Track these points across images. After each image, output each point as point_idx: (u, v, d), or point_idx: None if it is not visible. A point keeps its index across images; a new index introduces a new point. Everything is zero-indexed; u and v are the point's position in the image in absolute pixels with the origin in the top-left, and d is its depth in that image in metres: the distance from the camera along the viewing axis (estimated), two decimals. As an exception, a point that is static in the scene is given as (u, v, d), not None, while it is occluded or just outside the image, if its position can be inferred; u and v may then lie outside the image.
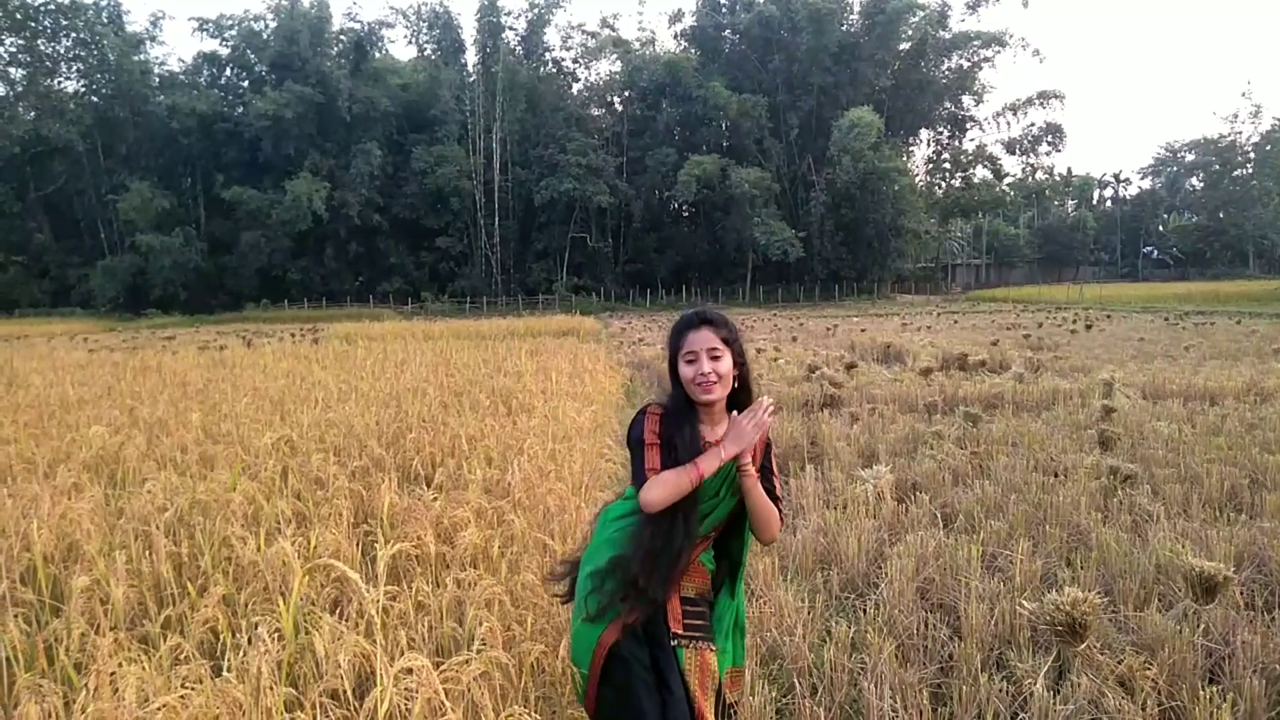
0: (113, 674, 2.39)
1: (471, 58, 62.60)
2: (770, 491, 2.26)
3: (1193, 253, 78.51)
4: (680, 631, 2.18)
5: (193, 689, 2.27)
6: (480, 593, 3.00)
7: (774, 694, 2.96)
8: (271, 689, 2.20)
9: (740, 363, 2.27)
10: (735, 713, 2.39)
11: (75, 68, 56.27)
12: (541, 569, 3.49)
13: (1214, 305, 36.71)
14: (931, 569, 3.99)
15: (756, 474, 2.19)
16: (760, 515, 2.22)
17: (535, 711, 2.48)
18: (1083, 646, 3.02)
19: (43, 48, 54.39)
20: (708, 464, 2.11)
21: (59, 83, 56.02)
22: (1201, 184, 79.98)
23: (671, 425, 2.22)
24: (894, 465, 6.13)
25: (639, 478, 2.18)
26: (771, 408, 2.17)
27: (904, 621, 3.48)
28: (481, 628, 2.71)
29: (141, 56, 57.49)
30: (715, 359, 2.20)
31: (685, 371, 2.22)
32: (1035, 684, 2.75)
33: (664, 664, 2.16)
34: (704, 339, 2.21)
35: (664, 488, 2.11)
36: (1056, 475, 5.85)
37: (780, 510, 2.27)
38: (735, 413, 2.21)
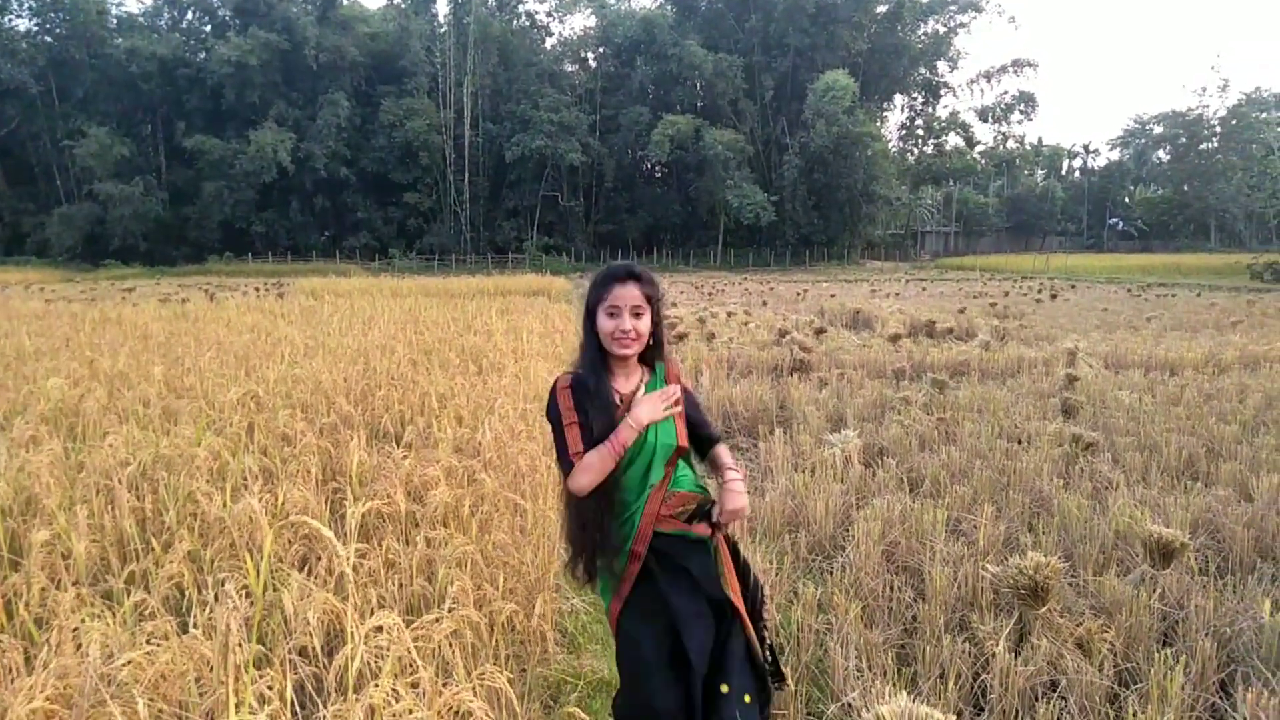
0: (75, 629, 2.35)
1: (443, 8, 61.22)
2: (710, 439, 2.39)
3: (1157, 225, 79.52)
4: (685, 526, 2.24)
5: (159, 645, 2.24)
6: (451, 551, 2.99)
7: (742, 653, 2.99)
8: (240, 646, 2.18)
9: (657, 321, 2.27)
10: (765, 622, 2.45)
11: (27, 5, 54.03)
12: (513, 528, 3.49)
13: (1176, 277, 37.35)
14: (897, 532, 4.04)
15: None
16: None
17: (507, 670, 2.49)
18: (1043, 609, 3.09)
19: (-9, -18, 52.27)
20: (626, 435, 2.13)
21: (9, 20, 53.85)
22: (1168, 157, 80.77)
23: (582, 388, 2.22)
24: (862, 430, 6.19)
25: (564, 461, 2.19)
26: (678, 396, 2.21)
27: (870, 584, 3.54)
28: (453, 586, 2.71)
29: (97, -4, 55.42)
30: (637, 316, 2.19)
31: (605, 324, 2.20)
32: (997, 645, 2.81)
33: (690, 569, 2.22)
34: (631, 295, 2.19)
35: (590, 473, 2.14)
36: (1020, 442, 5.94)
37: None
38: (645, 367, 2.32)
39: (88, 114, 53.42)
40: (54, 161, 53.85)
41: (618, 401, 2.23)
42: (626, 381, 2.28)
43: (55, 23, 54.12)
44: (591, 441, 2.16)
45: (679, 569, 2.22)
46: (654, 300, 2.24)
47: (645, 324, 2.21)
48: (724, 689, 2.16)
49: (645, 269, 2.27)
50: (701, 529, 2.24)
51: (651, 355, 2.32)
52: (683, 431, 2.28)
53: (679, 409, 2.19)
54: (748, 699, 2.18)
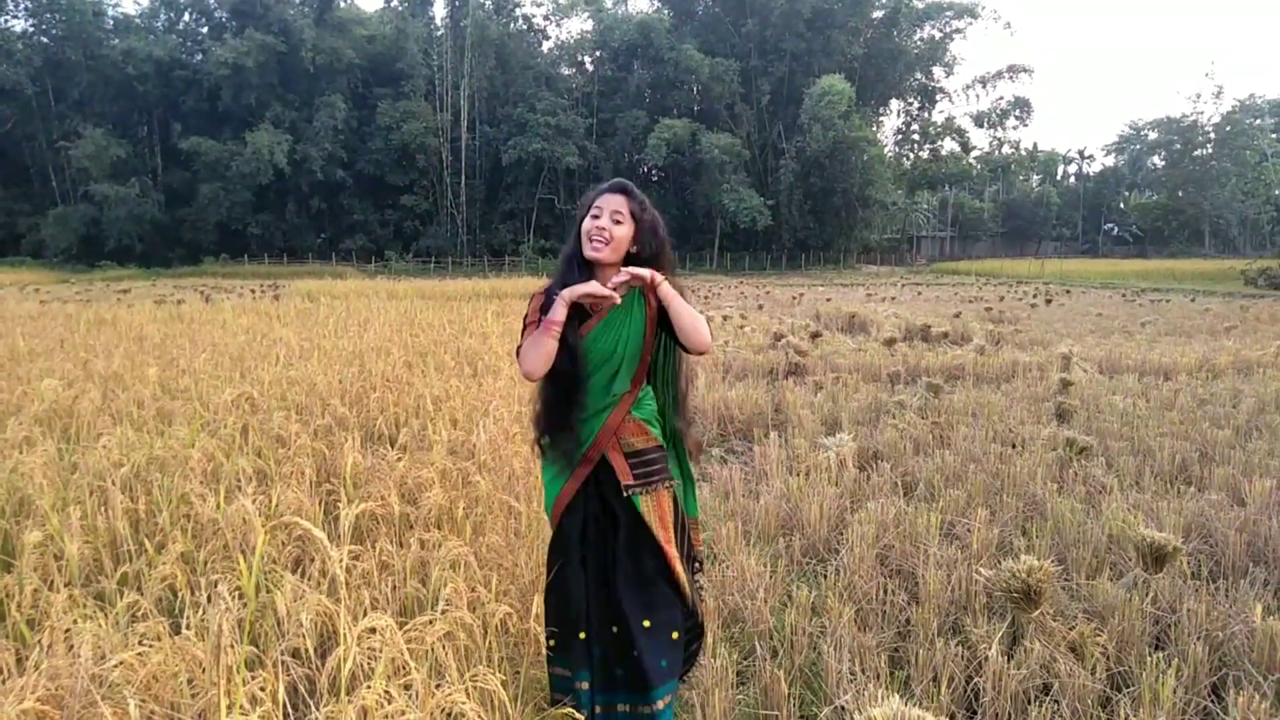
0: (67, 631, 2.35)
1: (440, 10, 61.25)
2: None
3: (1151, 231, 79.78)
4: (632, 482, 2.37)
5: (151, 646, 2.23)
6: (445, 553, 2.98)
7: (735, 657, 3.00)
8: (232, 647, 2.18)
9: (647, 240, 2.37)
10: (700, 565, 2.68)
11: (23, 6, 53.92)
12: (507, 530, 3.49)
13: (1170, 283, 37.46)
14: (891, 536, 4.05)
15: (663, 280, 2.30)
16: (685, 324, 2.31)
17: (500, 672, 2.48)
18: (1036, 613, 3.09)
19: (-14, -17, 52.14)
20: (554, 313, 2.25)
21: (5, 21, 53.73)
22: (1163, 162, 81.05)
23: (553, 287, 2.36)
24: (856, 434, 6.20)
25: (517, 352, 2.39)
26: (619, 281, 2.26)
27: (863, 587, 3.54)
28: (446, 588, 2.70)
29: (94, -3, 55.35)
30: (617, 222, 2.32)
31: (586, 223, 2.34)
32: (990, 649, 2.81)
33: (618, 513, 2.39)
34: (615, 202, 2.34)
35: (529, 354, 2.29)
36: (1014, 446, 5.95)
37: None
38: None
39: (84, 115, 53.32)
40: (50, 162, 53.73)
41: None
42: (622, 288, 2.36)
43: (51, 24, 53.99)
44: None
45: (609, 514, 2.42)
46: (639, 217, 2.36)
47: (623, 231, 2.32)
48: (646, 624, 2.36)
49: (636, 188, 2.40)
50: (640, 494, 2.38)
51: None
52: (650, 341, 2.39)
53: (615, 296, 2.23)
54: (675, 635, 2.40)
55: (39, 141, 53.62)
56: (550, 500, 2.44)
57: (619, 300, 2.26)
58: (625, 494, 2.35)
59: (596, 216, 2.33)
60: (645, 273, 2.25)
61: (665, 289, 2.28)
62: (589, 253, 2.32)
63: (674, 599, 2.40)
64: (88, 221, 50.93)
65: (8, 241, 53.84)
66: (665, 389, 2.52)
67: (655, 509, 2.37)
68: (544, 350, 2.26)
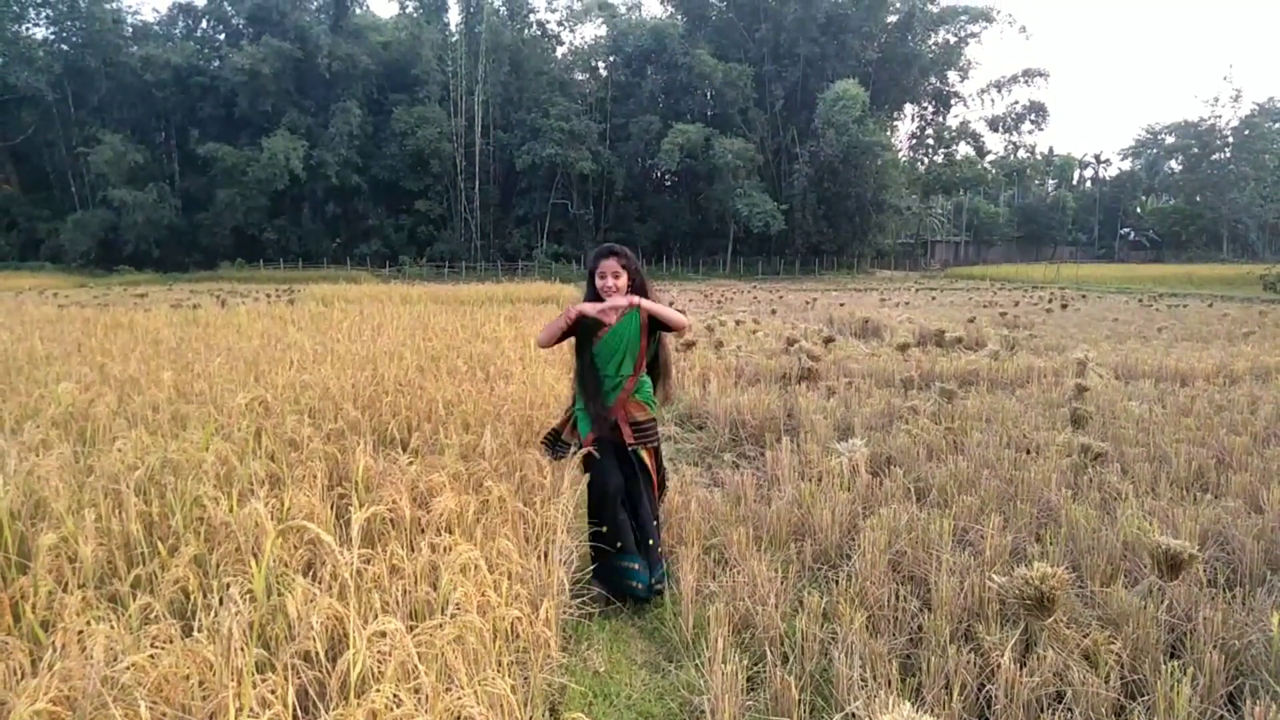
0: (80, 632, 2.36)
1: (454, 17, 61.63)
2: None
3: (1169, 235, 79.17)
4: (633, 441, 3.79)
5: (162, 648, 2.25)
6: (455, 557, 2.98)
7: (746, 662, 2.98)
8: (243, 650, 2.18)
9: (635, 277, 3.74)
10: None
11: (44, 14, 54.59)
12: (518, 535, 3.49)
13: (1187, 288, 37.14)
14: (903, 542, 4.02)
15: (639, 299, 3.66)
16: (663, 315, 3.68)
17: (509, 676, 2.48)
18: (1050, 620, 3.07)
19: (8, -9, 52.77)
20: (570, 311, 3.60)
21: (26, 29, 54.38)
22: (1180, 167, 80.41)
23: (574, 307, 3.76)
24: (869, 439, 6.17)
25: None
26: (605, 308, 3.64)
27: (875, 593, 3.52)
28: (456, 592, 2.70)
29: (113, 4, 55.86)
30: (617, 277, 3.70)
31: (599, 283, 3.71)
32: (1003, 656, 2.79)
33: (622, 458, 3.79)
34: (612, 266, 3.69)
35: (546, 330, 3.73)
36: (1029, 452, 5.91)
37: (675, 306, 3.89)
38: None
39: (102, 121, 53.91)
40: (69, 168, 54.30)
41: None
42: (613, 312, 3.74)
43: (71, 31, 54.65)
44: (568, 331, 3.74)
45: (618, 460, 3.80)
46: (628, 266, 3.71)
47: (623, 281, 3.70)
48: (650, 543, 3.72)
49: (623, 247, 3.75)
50: (640, 449, 3.81)
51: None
52: (645, 338, 3.77)
53: (611, 318, 3.70)
54: (655, 545, 3.77)
55: (59, 147, 54.20)
56: (585, 432, 3.80)
57: (614, 321, 3.72)
58: (629, 449, 3.76)
59: (603, 277, 3.67)
60: (624, 300, 3.61)
61: (644, 302, 3.65)
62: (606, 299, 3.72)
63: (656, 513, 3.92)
64: (106, 226, 51.44)
65: (28, 246, 54.40)
66: (657, 375, 3.98)
67: (649, 458, 3.83)
68: (555, 328, 3.67)
